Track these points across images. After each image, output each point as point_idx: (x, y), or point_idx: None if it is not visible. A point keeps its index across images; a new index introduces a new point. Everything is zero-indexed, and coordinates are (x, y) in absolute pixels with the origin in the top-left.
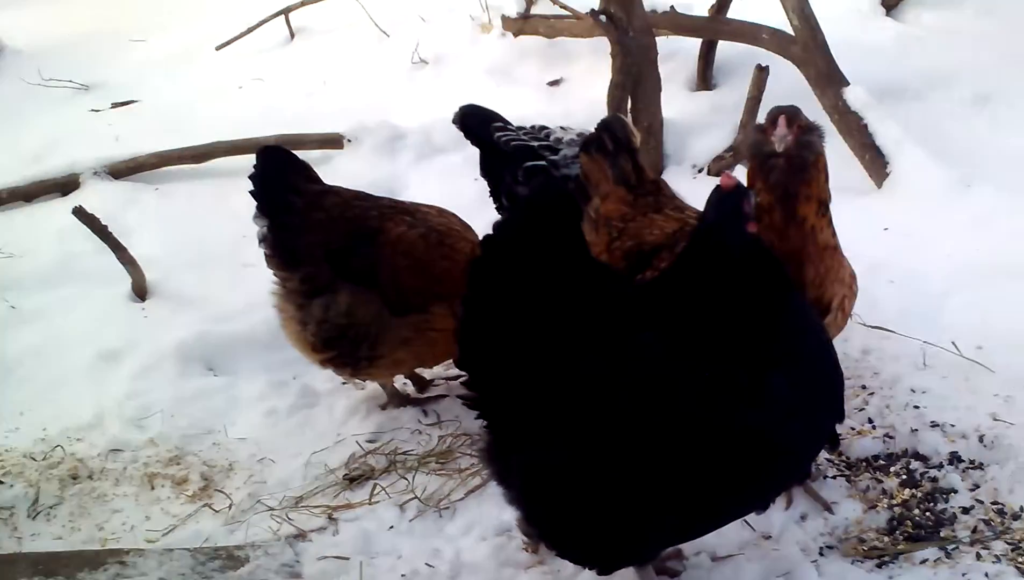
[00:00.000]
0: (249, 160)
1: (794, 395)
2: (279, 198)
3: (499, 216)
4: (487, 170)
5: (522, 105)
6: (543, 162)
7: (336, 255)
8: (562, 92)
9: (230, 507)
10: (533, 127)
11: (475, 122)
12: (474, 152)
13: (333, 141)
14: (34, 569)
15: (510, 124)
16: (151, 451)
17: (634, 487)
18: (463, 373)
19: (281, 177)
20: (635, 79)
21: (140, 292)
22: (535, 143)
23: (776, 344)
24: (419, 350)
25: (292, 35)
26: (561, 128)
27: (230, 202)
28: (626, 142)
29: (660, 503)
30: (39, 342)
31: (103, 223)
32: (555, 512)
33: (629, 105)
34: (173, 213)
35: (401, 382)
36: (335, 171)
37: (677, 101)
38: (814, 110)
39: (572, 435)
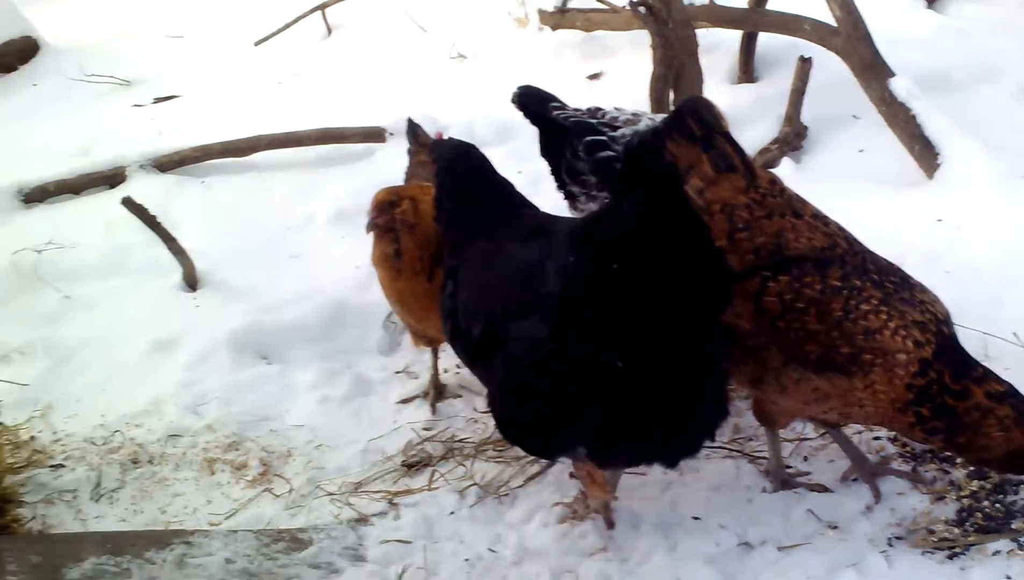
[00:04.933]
0: (291, 153)
1: None
2: None
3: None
4: (547, 149)
5: (563, 99)
6: (603, 137)
7: None
8: (602, 86)
9: (290, 492)
10: (588, 109)
11: (533, 101)
12: (517, 145)
13: (375, 135)
14: (102, 547)
15: (567, 105)
16: (209, 437)
17: None
18: None
19: None
20: (676, 71)
21: (191, 282)
22: (593, 120)
23: None
24: None
25: (329, 31)
26: (615, 108)
27: (274, 195)
28: (715, 125)
29: None
30: (93, 331)
31: (152, 213)
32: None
33: (671, 98)
34: (218, 205)
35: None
36: (377, 165)
37: (719, 94)
38: (860, 101)
39: None
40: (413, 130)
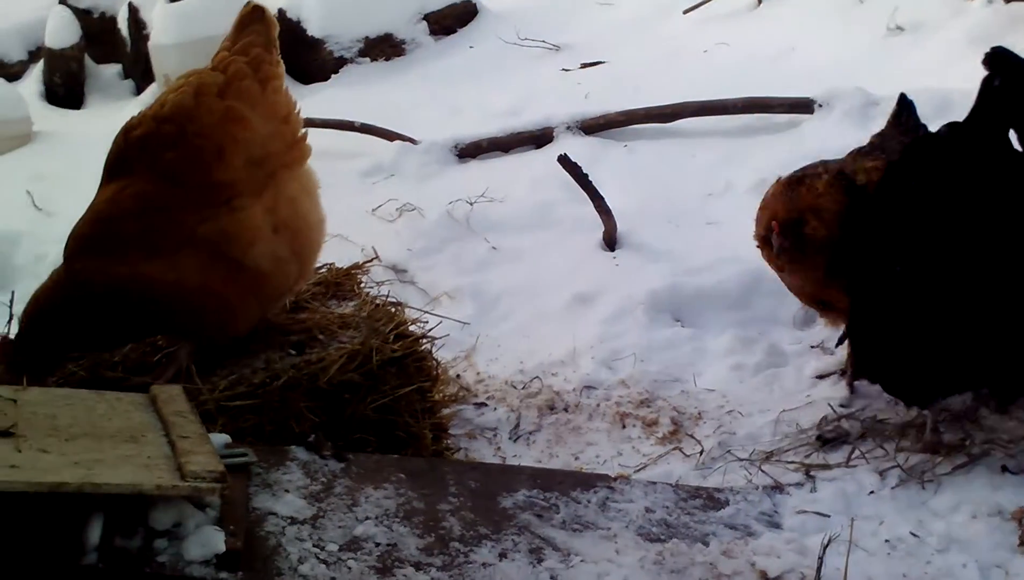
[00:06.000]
0: (713, 121)
1: None
2: None
3: None
4: (1016, 120)
5: None
6: None
7: None
8: None
9: (700, 453)
10: None
11: (1009, 64)
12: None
13: (803, 106)
14: (533, 482)
15: None
16: (622, 391)
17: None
18: None
19: None
20: None
21: (610, 241)
22: None
23: None
24: None
25: (759, 1)
26: None
27: (695, 161)
28: None
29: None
30: (517, 281)
31: (584, 172)
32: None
33: None
34: (639, 169)
35: None
36: (803, 136)
37: None
38: None
39: None
40: (908, 107)
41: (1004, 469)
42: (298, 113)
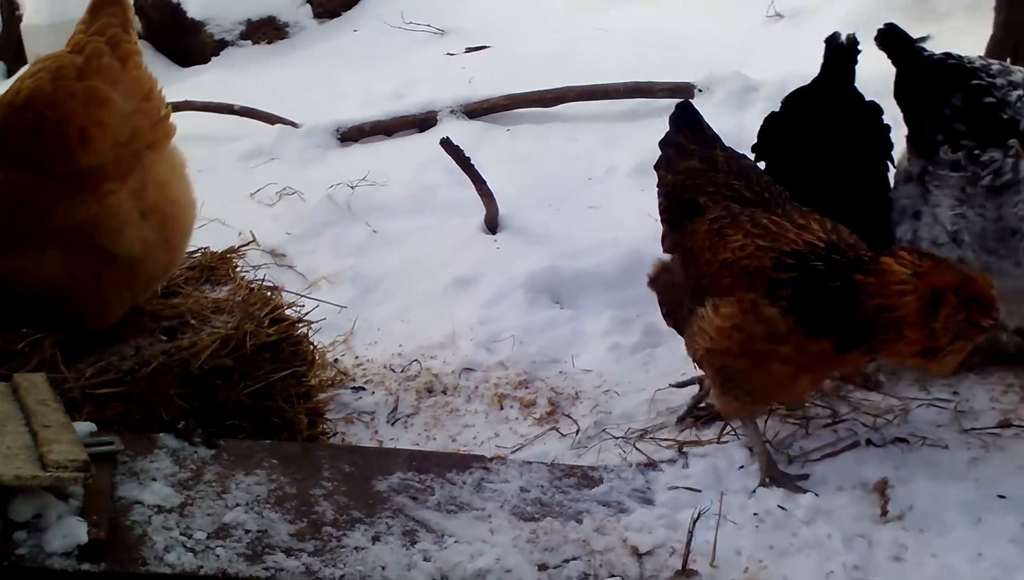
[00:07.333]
0: (596, 106)
1: None
2: None
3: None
4: (903, 94)
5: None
6: (983, 83)
7: None
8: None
9: (576, 432)
10: (948, 53)
11: (898, 41)
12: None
13: (683, 90)
14: (408, 464)
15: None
16: (501, 373)
17: None
18: None
19: None
20: (1018, 37)
21: (492, 225)
22: (971, 66)
23: None
24: None
25: None
26: (980, 57)
27: (577, 145)
28: None
29: None
30: (398, 265)
31: (467, 156)
32: None
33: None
34: (522, 153)
35: None
36: None
37: None
38: None
39: None
40: (689, 119)
41: (868, 442)
42: (160, 91)
